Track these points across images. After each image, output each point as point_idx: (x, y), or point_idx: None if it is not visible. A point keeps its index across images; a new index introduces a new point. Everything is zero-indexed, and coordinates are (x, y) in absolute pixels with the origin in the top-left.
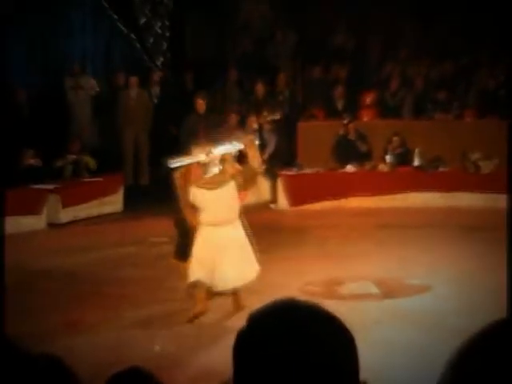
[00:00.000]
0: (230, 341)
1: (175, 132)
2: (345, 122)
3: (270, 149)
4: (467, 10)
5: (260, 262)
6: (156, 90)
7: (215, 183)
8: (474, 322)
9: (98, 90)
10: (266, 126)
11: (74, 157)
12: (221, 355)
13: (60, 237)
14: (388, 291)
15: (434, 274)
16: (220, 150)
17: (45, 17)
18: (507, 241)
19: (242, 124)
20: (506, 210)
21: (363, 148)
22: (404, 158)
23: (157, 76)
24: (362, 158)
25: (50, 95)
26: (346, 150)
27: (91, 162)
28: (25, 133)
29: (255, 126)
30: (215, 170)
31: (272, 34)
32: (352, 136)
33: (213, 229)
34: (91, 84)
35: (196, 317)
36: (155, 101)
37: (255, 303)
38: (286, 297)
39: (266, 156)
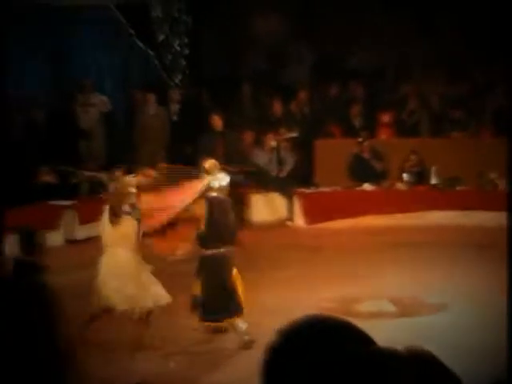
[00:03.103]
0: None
1: (190, 150)
2: (360, 140)
3: (288, 167)
4: (481, 29)
5: (276, 279)
6: (175, 107)
7: None
8: (487, 340)
9: (110, 107)
10: (284, 144)
11: (90, 174)
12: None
13: (78, 252)
14: (404, 309)
15: (450, 293)
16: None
17: (62, 32)
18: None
19: (258, 142)
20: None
21: (378, 166)
22: (421, 177)
23: (175, 93)
24: (377, 176)
25: (65, 111)
26: (361, 169)
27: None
28: (40, 150)
29: (273, 143)
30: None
31: (287, 51)
32: (367, 154)
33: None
34: (103, 101)
35: None
36: (174, 118)
37: (273, 320)
38: (314, 313)
39: (283, 174)
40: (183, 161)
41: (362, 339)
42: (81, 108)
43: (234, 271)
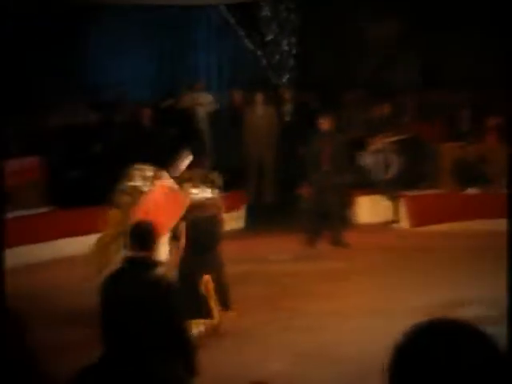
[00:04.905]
0: None
1: (301, 151)
2: (465, 144)
3: (394, 169)
4: None
5: (379, 282)
6: (286, 107)
7: None
8: None
9: (217, 106)
10: (390, 146)
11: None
12: None
13: None
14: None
15: None
16: None
17: (170, 32)
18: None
19: (366, 144)
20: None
21: (484, 171)
22: None
23: (286, 93)
24: (482, 180)
25: (176, 111)
26: (465, 173)
27: (217, 179)
28: (147, 148)
29: (380, 146)
30: None
31: (396, 55)
32: (471, 158)
33: None
34: (210, 101)
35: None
36: (286, 119)
37: (382, 320)
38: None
39: (389, 176)
40: (295, 162)
41: (486, 343)
42: (189, 107)
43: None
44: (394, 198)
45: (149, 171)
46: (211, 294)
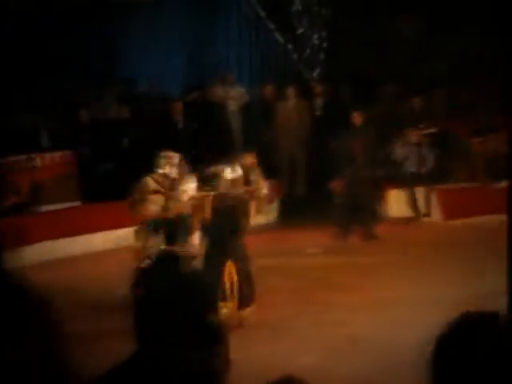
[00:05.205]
0: None
1: (332, 145)
2: (495, 137)
3: (430, 162)
4: None
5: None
6: (318, 101)
7: None
8: None
9: (247, 99)
10: (425, 140)
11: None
12: None
13: None
14: None
15: None
16: None
17: (202, 26)
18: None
19: (398, 138)
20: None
21: None
22: None
23: (317, 87)
24: None
25: (205, 105)
26: (497, 166)
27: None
28: (178, 141)
29: (415, 139)
30: None
31: (427, 49)
32: (503, 152)
33: None
34: (242, 94)
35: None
36: (317, 113)
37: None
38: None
39: (424, 170)
40: (326, 156)
41: None
42: (221, 101)
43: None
44: (426, 191)
45: (175, 158)
46: (231, 284)
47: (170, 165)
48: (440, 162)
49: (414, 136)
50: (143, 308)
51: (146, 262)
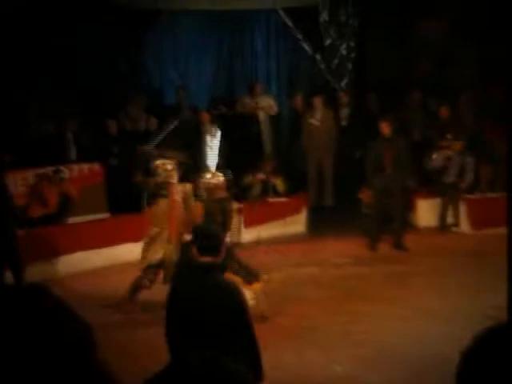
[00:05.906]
0: None
1: (358, 155)
2: None
3: (470, 173)
4: None
5: (438, 283)
6: (344, 111)
7: None
8: None
9: (276, 110)
10: (462, 148)
11: (264, 176)
12: None
13: (243, 256)
14: None
15: None
16: None
17: (231, 37)
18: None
19: (431, 147)
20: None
21: None
22: None
23: (345, 97)
24: None
25: (233, 117)
26: None
27: (281, 184)
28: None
29: (450, 148)
30: None
31: (453, 54)
32: None
33: None
34: (271, 104)
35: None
36: (343, 123)
37: (443, 324)
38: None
39: (467, 180)
40: (352, 166)
41: None
42: (250, 111)
43: None
44: (454, 201)
45: (169, 164)
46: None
47: (166, 172)
48: (478, 173)
49: (450, 144)
50: (178, 320)
51: (181, 276)
